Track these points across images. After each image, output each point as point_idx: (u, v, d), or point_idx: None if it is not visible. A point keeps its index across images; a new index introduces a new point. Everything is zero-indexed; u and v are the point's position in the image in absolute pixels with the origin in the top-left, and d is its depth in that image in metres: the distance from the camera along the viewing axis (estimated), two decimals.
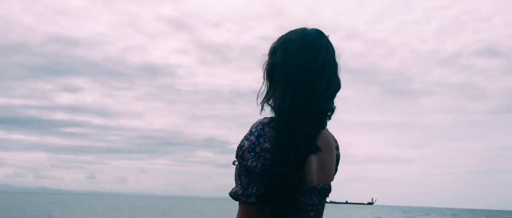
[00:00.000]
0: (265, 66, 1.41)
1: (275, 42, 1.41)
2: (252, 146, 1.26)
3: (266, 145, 1.26)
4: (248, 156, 1.26)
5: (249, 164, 1.26)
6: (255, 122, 1.31)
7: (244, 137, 1.29)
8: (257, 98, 1.40)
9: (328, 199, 1.49)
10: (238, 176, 1.30)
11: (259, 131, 1.28)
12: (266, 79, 1.40)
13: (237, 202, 1.32)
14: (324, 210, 1.43)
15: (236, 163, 1.32)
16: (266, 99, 1.38)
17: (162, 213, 45.99)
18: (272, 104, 1.36)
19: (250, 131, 1.29)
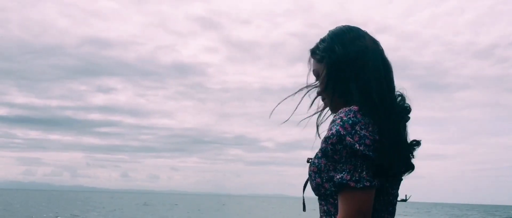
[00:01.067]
0: (322, 69, 1.38)
1: (324, 44, 1.40)
2: (352, 132, 1.21)
3: (363, 132, 1.21)
4: (350, 140, 1.20)
5: (355, 147, 1.19)
6: (340, 111, 1.27)
7: (335, 124, 1.24)
8: (317, 102, 1.43)
9: None
10: (329, 165, 1.24)
11: (353, 118, 1.22)
12: (331, 79, 1.36)
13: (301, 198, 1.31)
14: None
15: (314, 159, 1.29)
16: (336, 97, 1.36)
17: (186, 209, 45.60)
18: (350, 96, 1.31)
19: (341, 119, 1.24)
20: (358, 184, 1.17)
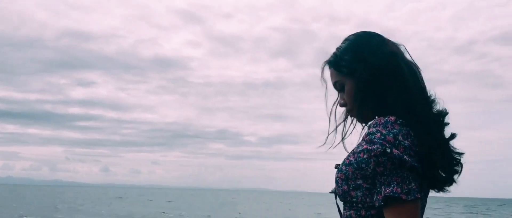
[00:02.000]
0: (352, 82, 1.30)
1: (349, 54, 1.31)
2: (395, 143, 1.16)
3: (407, 142, 1.17)
4: (397, 152, 1.14)
5: (404, 159, 1.14)
6: (374, 121, 1.23)
7: (375, 137, 1.18)
8: (349, 114, 1.36)
9: None
10: (357, 174, 1.21)
11: (392, 130, 1.18)
12: (367, 91, 1.28)
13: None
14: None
15: (341, 166, 1.26)
16: (368, 109, 1.30)
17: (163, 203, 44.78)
18: (384, 107, 1.26)
19: (380, 132, 1.18)
20: (409, 196, 1.13)
